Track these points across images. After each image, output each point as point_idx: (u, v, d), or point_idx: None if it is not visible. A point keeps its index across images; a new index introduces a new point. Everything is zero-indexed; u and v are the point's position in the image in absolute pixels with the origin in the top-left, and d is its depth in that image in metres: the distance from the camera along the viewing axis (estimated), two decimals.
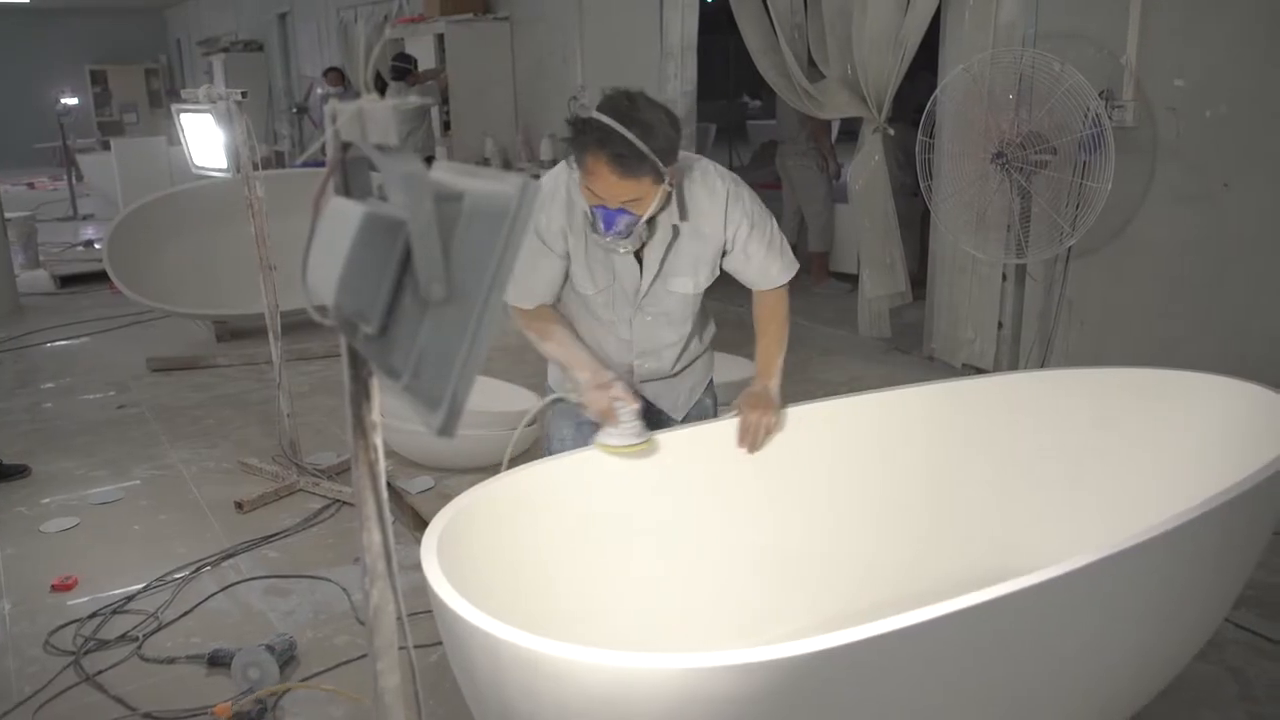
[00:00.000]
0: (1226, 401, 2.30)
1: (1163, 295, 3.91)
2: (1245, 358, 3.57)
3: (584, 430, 2.35)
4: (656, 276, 2.21)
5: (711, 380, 2.60)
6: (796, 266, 2.37)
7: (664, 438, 2.26)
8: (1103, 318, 4.14)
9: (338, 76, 9.26)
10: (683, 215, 2.14)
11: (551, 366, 2.46)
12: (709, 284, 2.29)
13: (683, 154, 2.12)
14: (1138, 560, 1.63)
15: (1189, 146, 3.73)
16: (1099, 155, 3.46)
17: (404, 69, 7.83)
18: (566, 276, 2.23)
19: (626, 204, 2.00)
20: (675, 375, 2.44)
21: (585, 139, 1.95)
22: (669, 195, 2.07)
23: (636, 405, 2.10)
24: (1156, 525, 1.64)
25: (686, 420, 2.46)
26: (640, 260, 2.19)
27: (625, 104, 1.96)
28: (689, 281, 2.24)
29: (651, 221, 2.09)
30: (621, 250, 2.12)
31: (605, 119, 1.92)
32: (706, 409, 2.55)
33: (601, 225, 2.04)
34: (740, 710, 1.37)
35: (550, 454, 2.36)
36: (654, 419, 2.38)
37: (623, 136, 1.91)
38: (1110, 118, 3.62)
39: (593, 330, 2.32)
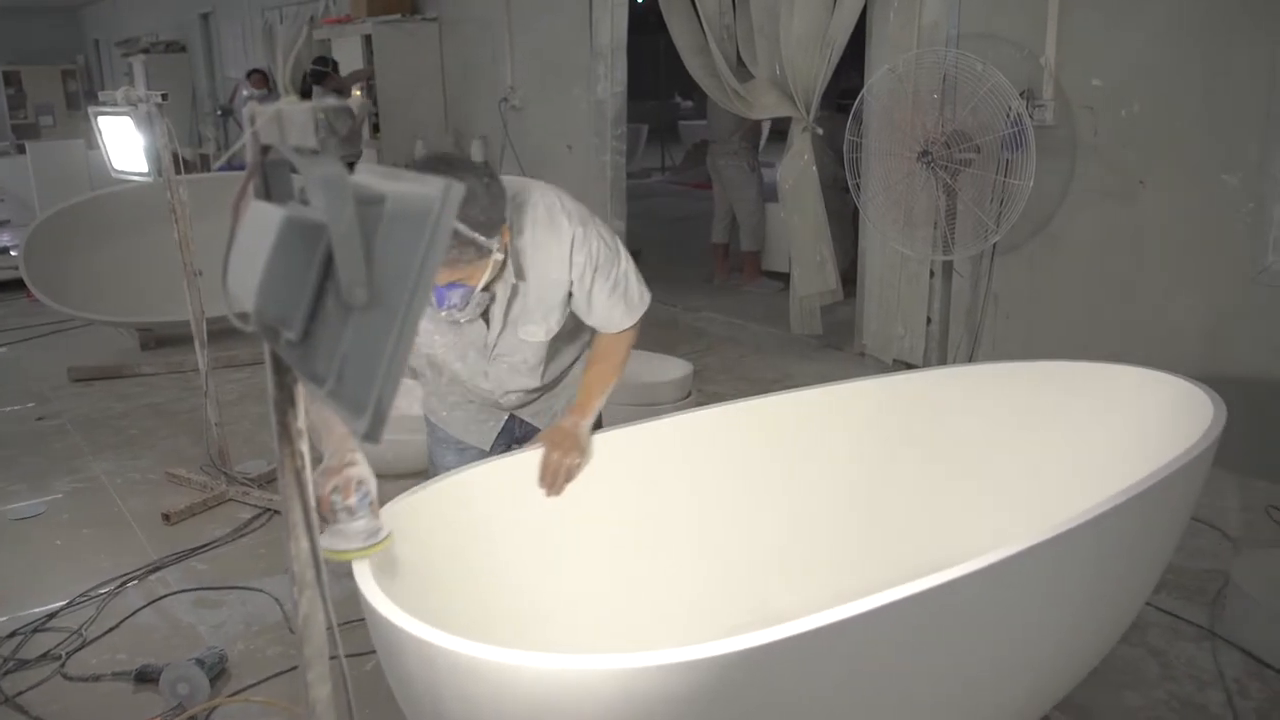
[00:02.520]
0: (1146, 392, 2.36)
1: (1084, 289, 4.01)
2: (1162, 349, 3.68)
3: (467, 455, 2.34)
4: (503, 330, 2.13)
5: None
6: (643, 309, 2.21)
7: (602, 438, 2.26)
8: (1027, 312, 4.23)
9: (261, 79, 9.09)
10: (519, 275, 2.04)
11: (425, 395, 2.42)
12: (560, 327, 2.18)
13: (530, 188, 2.05)
14: (1063, 549, 1.66)
15: (1107, 145, 3.83)
16: (1021, 153, 3.54)
17: (321, 72, 7.70)
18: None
19: (456, 280, 1.91)
20: (549, 390, 2.37)
21: None
22: (503, 259, 1.98)
23: (352, 500, 1.68)
24: (1080, 514, 1.68)
25: None
26: (485, 318, 2.11)
27: (456, 174, 1.83)
28: (540, 329, 2.15)
29: (488, 286, 2.00)
30: (462, 320, 2.04)
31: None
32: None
33: (434, 300, 1.93)
34: (679, 709, 1.37)
35: None
36: (531, 435, 2.34)
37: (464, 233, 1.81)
38: (1031, 117, 3.70)
39: (449, 379, 2.28)
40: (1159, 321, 3.77)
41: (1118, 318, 3.90)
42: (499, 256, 1.94)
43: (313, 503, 1.07)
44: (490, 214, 1.88)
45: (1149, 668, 2.49)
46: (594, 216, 2.14)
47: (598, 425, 2.24)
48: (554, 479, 2.09)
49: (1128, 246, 3.84)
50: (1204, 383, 2.21)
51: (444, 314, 1.98)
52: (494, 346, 2.16)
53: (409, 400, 3.72)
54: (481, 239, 1.85)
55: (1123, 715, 2.32)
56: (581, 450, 2.12)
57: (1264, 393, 3.46)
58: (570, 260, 2.07)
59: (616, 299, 2.14)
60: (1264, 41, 3.31)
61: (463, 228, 1.81)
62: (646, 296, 2.21)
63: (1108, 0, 3.75)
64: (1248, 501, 3.36)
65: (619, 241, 2.17)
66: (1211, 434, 1.96)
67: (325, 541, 1.67)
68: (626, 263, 2.17)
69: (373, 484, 1.72)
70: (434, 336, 2.15)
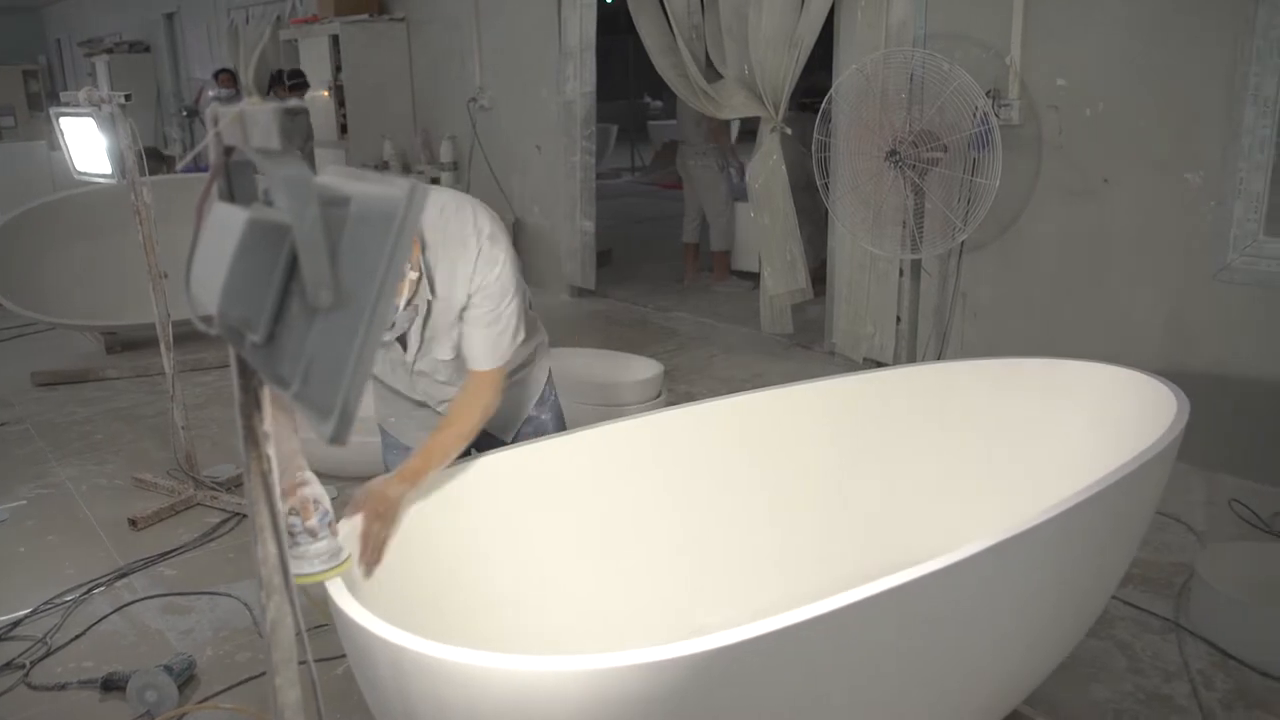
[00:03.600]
0: (1110, 388, 2.39)
1: (1050, 287, 4.05)
2: (1126, 345, 3.73)
3: None
4: (421, 348, 2.11)
5: (546, 392, 2.42)
6: (503, 360, 2.09)
7: (572, 439, 2.26)
8: (995, 309, 4.27)
9: (229, 78, 9.02)
10: (434, 291, 2.00)
11: (375, 401, 2.40)
12: None
13: (444, 199, 2.02)
14: (1030, 544, 1.68)
15: (1071, 143, 3.87)
16: (987, 152, 3.57)
17: (274, 77, 7.69)
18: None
19: None
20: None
21: None
22: (418, 276, 1.95)
23: (313, 521, 1.62)
24: (1047, 509, 1.69)
25: (518, 439, 2.33)
26: (401, 340, 2.10)
27: None
28: (446, 348, 2.11)
29: (410, 302, 1.98)
30: (385, 339, 2.03)
31: None
32: (543, 426, 2.39)
33: None
34: (648, 709, 1.37)
35: None
36: (485, 442, 2.29)
37: None
38: (997, 116, 3.74)
39: (383, 390, 2.31)
40: (1124, 318, 3.81)
41: (1083, 315, 3.95)
42: (414, 274, 1.91)
43: (280, 507, 1.06)
44: None
45: (1116, 661, 2.52)
46: (506, 237, 2.06)
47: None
48: (375, 554, 1.85)
49: (1092, 244, 3.88)
50: (1168, 378, 2.24)
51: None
52: (414, 364, 2.15)
53: (364, 401, 3.70)
54: None
55: (1091, 708, 2.35)
56: (396, 523, 1.90)
57: (1226, 388, 3.51)
58: (472, 276, 2.01)
59: (488, 335, 2.05)
60: (1224, 42, 3.36)
61: None
62: (517, 343, 2.11)
63: (1072, 1, 3.78)
64: (1212, 495, 3.40)
65: (518, 278, 2.09)
66: (1175, 429, 1.99)
67: (295, 566, 1.56)
68: (515, 303, 2.07)
69: (328, 502, 1.67)
70: None
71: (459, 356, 2.12)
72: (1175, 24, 3.51)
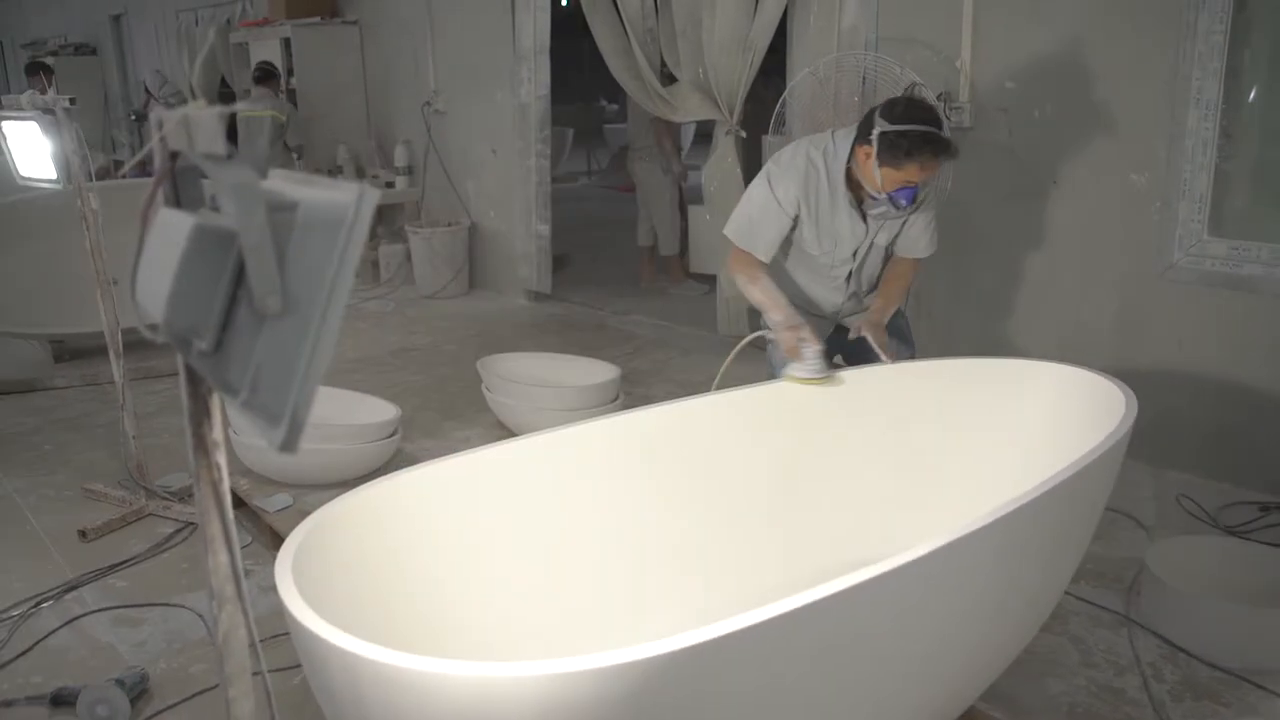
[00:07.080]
0: (1061, 386, 2.43)
1: (1001, 287, 4.10)
2: (1076, 345, 3.79)
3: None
4: (874, 238, 2.94)
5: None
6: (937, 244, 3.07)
7: (529, 443, 2.25)
8: (948, 310, 4.32)
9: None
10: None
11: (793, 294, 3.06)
12: None
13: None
14: (985, 542, 1.70)
15: (1021, 146, 3.93)
16: None
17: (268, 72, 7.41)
18: (789, 236, 2.94)
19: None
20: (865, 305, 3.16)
21: (923, 148, 2.57)
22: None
23: (820, 346, 2.58)
24: (999, 507, 1.72)
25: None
26: (866, 226, 2.91)
27: (933, 109, 2.66)
28: (886, 237, 2.99)
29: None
30: (898, 216, 2.84)
31: (936, 131, 2.59)
32: (898, 327, 3.18)
33: (904, 201, 2.69)
34: (606, 713, 1.37)
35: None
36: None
37: (947, 139, 2.61)
38: (949, 118, 3.78)
39: (809, 279, 3.10)
40: (1074, 318, 3.87)
41: (1034, 315, 4.00)
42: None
43: (229, 514, 1.05)
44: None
45: (1069, 655, 2.56)
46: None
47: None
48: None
49: (1043, 245, 3.94)
50: (1117, 376, 2.28)
51: (905, 208, 2.75)
52: (862, 255, 3.02)
53: (336, 409, 3.67)
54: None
55: (1046, 702, 2.38)
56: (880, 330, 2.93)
57: (1173, 385, 3.57)
58: None
59: (929, 228, 3.14)
60: (1166, 46, 3.43)
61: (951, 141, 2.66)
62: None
63: (1020, 4, 3.84)
64: (1160, 491, 3.47)
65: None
66: (1124, 426, 2.02)
67: (789, 371, 2.63)
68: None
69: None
70: (818, 241, 2.95)
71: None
72: (1119, 28, 3.57)
